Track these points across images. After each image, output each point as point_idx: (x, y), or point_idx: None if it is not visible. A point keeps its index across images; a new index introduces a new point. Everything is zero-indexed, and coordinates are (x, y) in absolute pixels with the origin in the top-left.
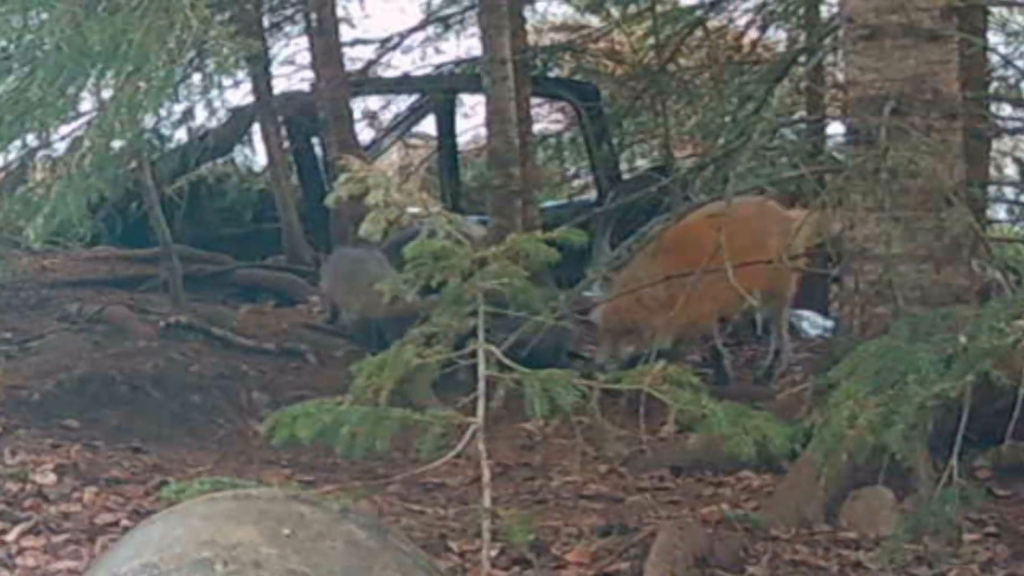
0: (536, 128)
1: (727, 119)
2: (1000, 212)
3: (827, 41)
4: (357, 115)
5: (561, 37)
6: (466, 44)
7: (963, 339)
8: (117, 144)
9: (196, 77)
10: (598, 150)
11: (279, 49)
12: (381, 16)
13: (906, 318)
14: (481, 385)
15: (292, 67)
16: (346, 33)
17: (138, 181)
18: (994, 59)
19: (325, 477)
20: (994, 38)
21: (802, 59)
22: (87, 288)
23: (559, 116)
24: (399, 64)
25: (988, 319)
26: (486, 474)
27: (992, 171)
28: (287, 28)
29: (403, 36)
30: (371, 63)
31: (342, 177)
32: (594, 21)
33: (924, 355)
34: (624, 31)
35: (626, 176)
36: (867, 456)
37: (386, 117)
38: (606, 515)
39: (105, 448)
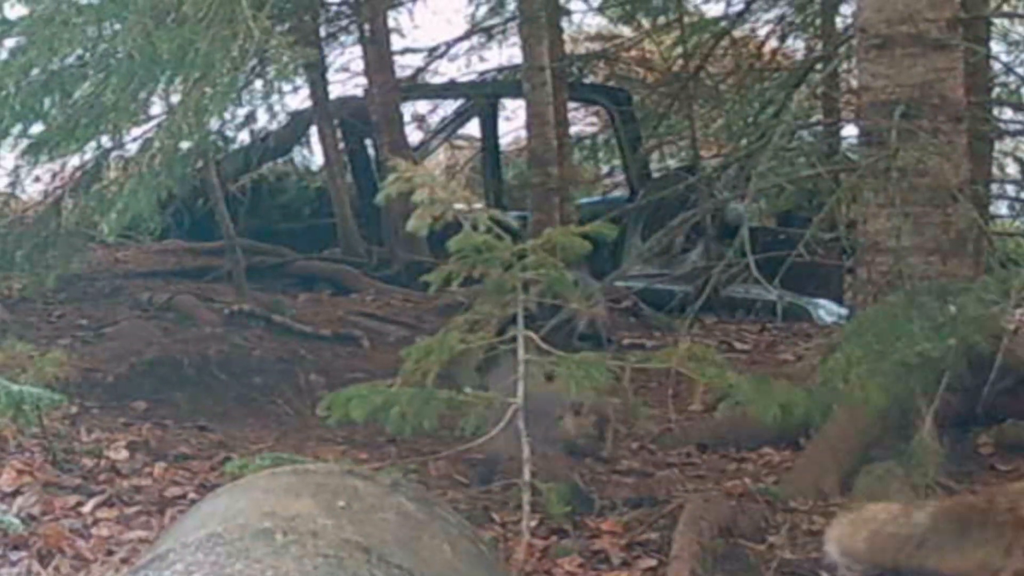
0: (572, 130)
1: (749, 122)
2: (1002, 208)
3: (842, 50)
4: (407, 118)
5: (595, 46)
6: (508, 53)
7: (953, 308)
8: (185, 145)
9: (258, 83)
10: (630, 151)
11: (335, 57)
12: (429, 27)
13: (901, 288)
14: (520, 368)
15: (347, 74)
16: (396, 42)
17: (204, 179)
18: (996, 66)
19: (377, 453)
20: (996, 47)
21: (819, 66)
22: (157, 278)
23: (594, 119)
24: (446, 71)
25: (978, 291)
26: (526, 450)
27: (995, 170)
28: (342, 38)
29: (449, 45)
30: (420, 70)
31: (390, 177)
32: (626, 31)
33: (917, 322)
34: (654, 40)
35: (656, 175)
36: (876, 435)
37: (433, 120)
38: (637, 488)
39: (174, 426)
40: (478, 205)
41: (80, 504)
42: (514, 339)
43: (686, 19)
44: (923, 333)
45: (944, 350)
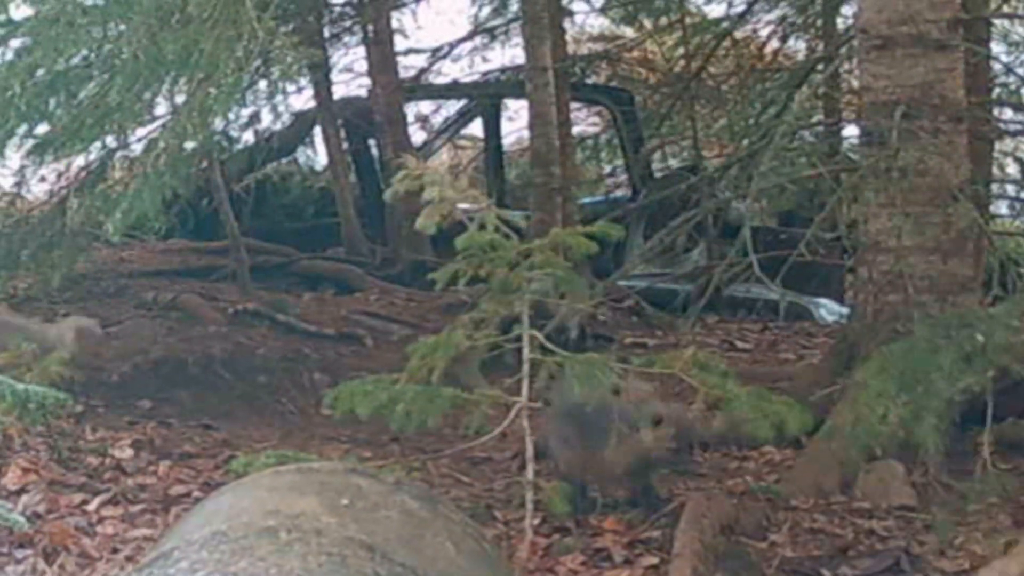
0: (575, 130)
1: (751, 122)
2: (1002, 208)
3: (843, 50)
4: (410, 118)
5: (598, 47)
6: (510, 53)
7: (981, 337)
8: (189, 145)
9: (262, 83)
10: (632, 151)
11: (338, 58)
12: (433, 27)
13: (924, 319)
14: (525, 367)
15: (350, 74)
16: (400, 43)
17: (209, 179)
18: (996, 67)
19: (381, 452)
20: (996, 47)
21: (820, 67)
22: (162, 278)
23: (596, 119)
24: (449, 71)
25: (1002, 318)
26: (529, 449)
27: (995, 170)
28: (346, 38)
29: (452, 46)
30: (423, 71)
31: (400, 174)
32: (628, 32)
33: (946, 354)
34: (656, 41)
35: (658, 175)
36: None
37: (437, 120)
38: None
39: (178, 425)
40: (487, 204)
41: (85, 502)
42: (519, 338)
43: (688, 20)
44: (956, 366)
45: (985, 382)
